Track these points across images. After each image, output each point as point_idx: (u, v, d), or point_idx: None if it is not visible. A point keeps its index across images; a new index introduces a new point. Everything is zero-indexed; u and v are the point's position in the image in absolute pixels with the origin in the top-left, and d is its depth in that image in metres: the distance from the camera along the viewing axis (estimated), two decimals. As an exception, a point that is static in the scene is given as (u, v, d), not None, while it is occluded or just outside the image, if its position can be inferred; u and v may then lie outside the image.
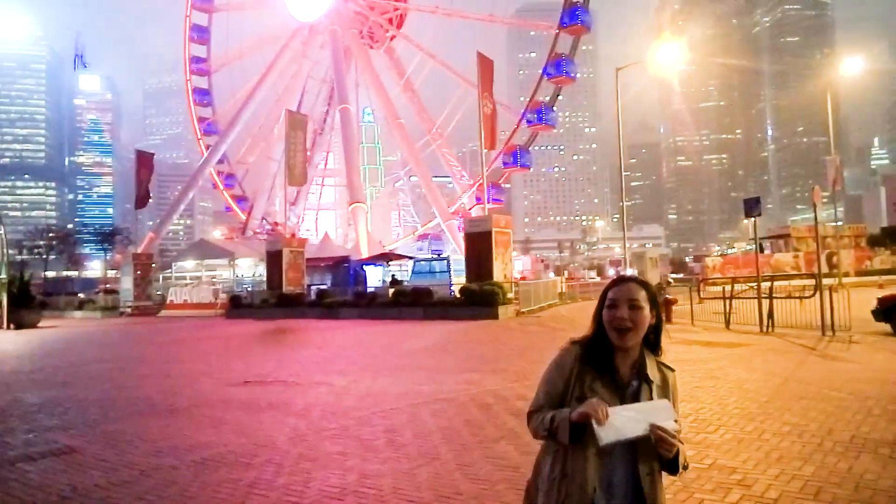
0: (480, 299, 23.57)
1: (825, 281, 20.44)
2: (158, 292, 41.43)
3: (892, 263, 41.72)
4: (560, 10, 45.25)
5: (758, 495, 4.69)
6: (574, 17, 44.88)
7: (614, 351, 2.13)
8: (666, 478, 2.13)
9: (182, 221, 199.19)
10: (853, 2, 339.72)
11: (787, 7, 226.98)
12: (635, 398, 2.08)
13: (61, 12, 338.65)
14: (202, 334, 22.87)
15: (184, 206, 68.64)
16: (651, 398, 2.08)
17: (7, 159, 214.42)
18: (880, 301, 14.69)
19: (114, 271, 62.44)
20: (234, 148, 59.97)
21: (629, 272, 34.96)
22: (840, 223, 57.92)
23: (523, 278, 42.08)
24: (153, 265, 42.71)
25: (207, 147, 57.56)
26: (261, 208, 57.29)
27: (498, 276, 25.70)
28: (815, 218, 16.33)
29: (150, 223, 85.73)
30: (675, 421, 2.03)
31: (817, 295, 14.68)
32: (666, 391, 2.14)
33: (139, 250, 46.78)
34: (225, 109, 60.08)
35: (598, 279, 65.30)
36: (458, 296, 25.58)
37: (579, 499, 2.02)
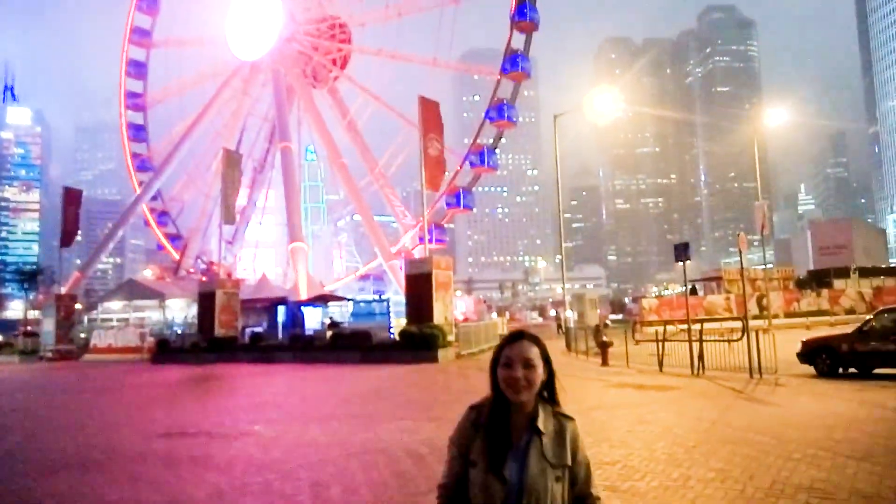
0: (420, 342, 23.37)
1: (756, 322, 21.21)
2: (82, 335, 39.46)
3: (818, 305, 43.65)
4: (502, 56, 46.53)
5: (680, 548, 4.66)
6: (515, 63, 46.16)
7: (511, 409, 2.19)
8: None
9: (111, 260, 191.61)
10: (778, 54, 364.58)
11: (717, 59, 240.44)
12: (526, 453, 2.14)
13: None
14: (125, 381, 21.79)
15: (113, 245, 66.16)
16: (542, 450, 2.14)
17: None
18: (804, 344, 15.26)
19: (36, 312, 59.12)
20: (169, 185, 58.50)
21: (569, 314, 35.44)
22: (770, 266, 60.42)
23: (466, 320, 42.07)
24: (77, 306, 40.79)
25: (140, 184, 55.93)
26: (196, 247, 55.73)
27: (438, 318, 25.56)
28: (742, 263, 16.97)
29: (79, 262, 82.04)
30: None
31: (745, 338, 15.07)
32: (562, 440, 2.19)
33: (63, 291, 44.63)
34: (160, 146, 58.65)
35: (540, 320, 65.91)
36: (397, 338, 25.28)
37: None
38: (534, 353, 2.21)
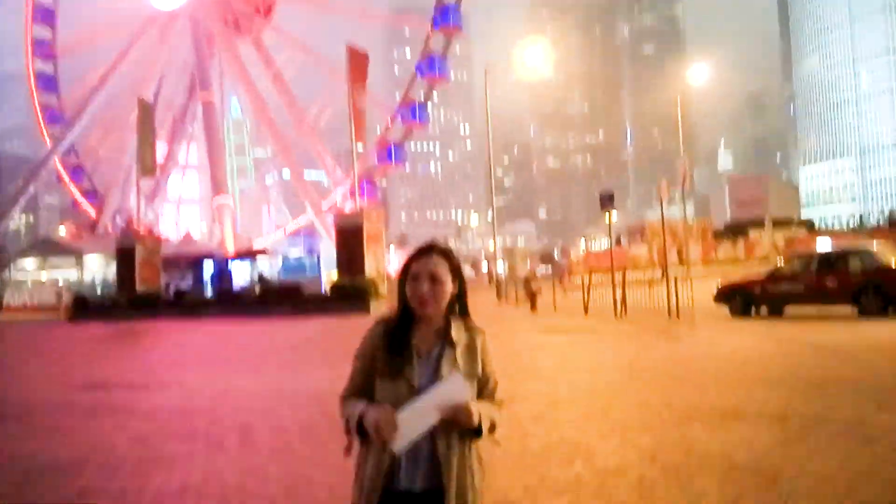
0: (352, 294, 23.26)
1: (677, 271, 22.13)
2: (-7, 295, 37.34)
3: (735, 255, 45.95)
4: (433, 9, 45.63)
5: (599, 464, 4.87)
6: (446, 17, 45.38)
7: (418, 321, 2.13)
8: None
9: (23, 218, 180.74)
10: (702, 15, 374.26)
11: (645, 19, 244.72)
12: (438, 362, 2.09)
13: None
14: (41, 338, 20.84)
15: (25, 202, 62.24)
16: (455, 360, 2.10)
17: None
18: (720, 287, 16.07)
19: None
20: (84, 139, 55.19)
21: (501, 267, 35.99)
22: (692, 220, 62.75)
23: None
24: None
25: (52, 137, 52.54)
26: (114, 204, 53.10)
27: (370, 270, 25.45)
28: (661, 211, 17.57)
29: (-14, 221, 76.79)
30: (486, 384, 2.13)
31: (665, 282, 15.73)
32: (473, 352, 2.15)
33: (-30, 250, 41.94)
34: (73, 97, 55.05)
35: (472, 274, 66.82)
36: (328, 292, 25.08)
37: (380, 479, 2.01)
38: (442, 267, 2.11)
